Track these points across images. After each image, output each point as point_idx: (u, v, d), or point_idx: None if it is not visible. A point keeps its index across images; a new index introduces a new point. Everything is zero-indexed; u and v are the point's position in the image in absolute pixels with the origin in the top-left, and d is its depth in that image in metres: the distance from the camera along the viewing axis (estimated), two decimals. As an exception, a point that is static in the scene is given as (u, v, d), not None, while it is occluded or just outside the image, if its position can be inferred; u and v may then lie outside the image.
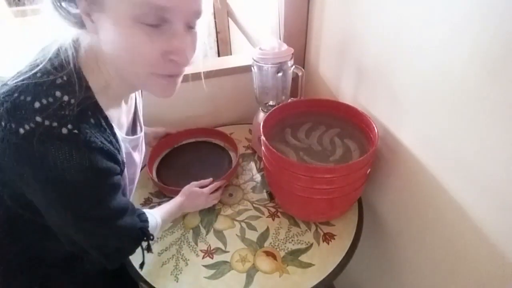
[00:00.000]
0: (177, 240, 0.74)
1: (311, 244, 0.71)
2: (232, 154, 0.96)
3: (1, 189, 0.48)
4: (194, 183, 0.80)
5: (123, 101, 0.58)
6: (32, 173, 0.41)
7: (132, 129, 0.64)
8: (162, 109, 1.02)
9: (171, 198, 0.75)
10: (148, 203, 0.84)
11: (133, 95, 0.63)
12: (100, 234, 0.51)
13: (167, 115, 1.04)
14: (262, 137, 0.68)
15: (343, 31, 0.80)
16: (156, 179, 0.86)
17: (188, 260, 0.69)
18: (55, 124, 0.41)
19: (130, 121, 0.62)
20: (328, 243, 0.71)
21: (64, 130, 0.41)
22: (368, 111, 0.76)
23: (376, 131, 0.67)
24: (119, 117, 0.56)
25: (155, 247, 0.72)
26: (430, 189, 0.62)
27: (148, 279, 0.66)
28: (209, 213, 0.80)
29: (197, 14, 0.44)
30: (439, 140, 0.57)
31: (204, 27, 0.48)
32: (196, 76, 0.69)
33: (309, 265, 0.67)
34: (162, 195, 0.86)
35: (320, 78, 0.98)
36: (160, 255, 0.70)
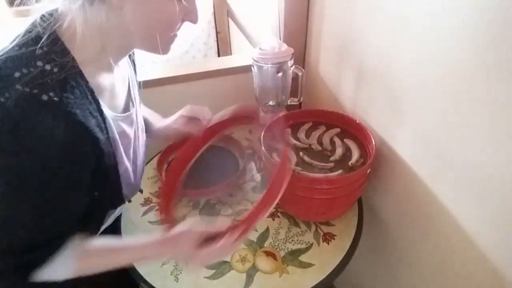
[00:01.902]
0: (177, 240, 0.74)
1: (311, 244, 0.71)
2: (237, 156, 0.96)
3: None
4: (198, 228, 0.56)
5: (115, 69, 0.56)
6: (6, 140, 0.40)
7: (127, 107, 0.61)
8: (163, 109, 1.02)
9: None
10: (148, 203, 0.84)
11: (124, 69, 0.60)
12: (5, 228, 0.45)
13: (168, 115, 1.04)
14: (262, 137, 0.68)
15: (343, 31, 0.80)
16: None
17: (188, 260, 0.69)
18: (35, 91, 0.40)
19: (125, 95, 0.60)
20: (328, 243, 0.71)
21: (44, 97, 0.40)
22: (368, 111, 0.76)
23: (373, 143, 0.68)
24: (113, 85, 0.54)
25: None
26: (430, 189, 0.62)
27: (148, 279, 0.66)
28: (209, 213, 0.80)
29: None
30: (439, 140, 0.57)
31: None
32: (196, 76, 0.69)
33: (309, 265, 0.67)
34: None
35: (320, 78, 0.98)
36: (160, 255, 0.70)
